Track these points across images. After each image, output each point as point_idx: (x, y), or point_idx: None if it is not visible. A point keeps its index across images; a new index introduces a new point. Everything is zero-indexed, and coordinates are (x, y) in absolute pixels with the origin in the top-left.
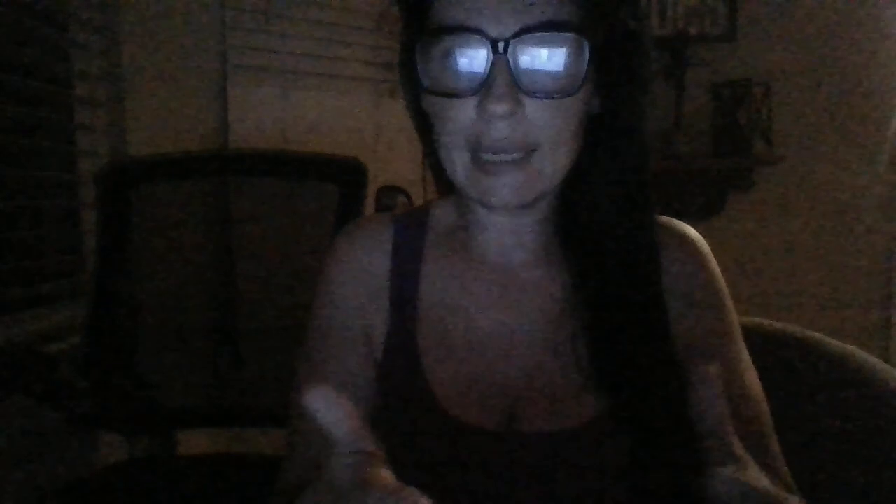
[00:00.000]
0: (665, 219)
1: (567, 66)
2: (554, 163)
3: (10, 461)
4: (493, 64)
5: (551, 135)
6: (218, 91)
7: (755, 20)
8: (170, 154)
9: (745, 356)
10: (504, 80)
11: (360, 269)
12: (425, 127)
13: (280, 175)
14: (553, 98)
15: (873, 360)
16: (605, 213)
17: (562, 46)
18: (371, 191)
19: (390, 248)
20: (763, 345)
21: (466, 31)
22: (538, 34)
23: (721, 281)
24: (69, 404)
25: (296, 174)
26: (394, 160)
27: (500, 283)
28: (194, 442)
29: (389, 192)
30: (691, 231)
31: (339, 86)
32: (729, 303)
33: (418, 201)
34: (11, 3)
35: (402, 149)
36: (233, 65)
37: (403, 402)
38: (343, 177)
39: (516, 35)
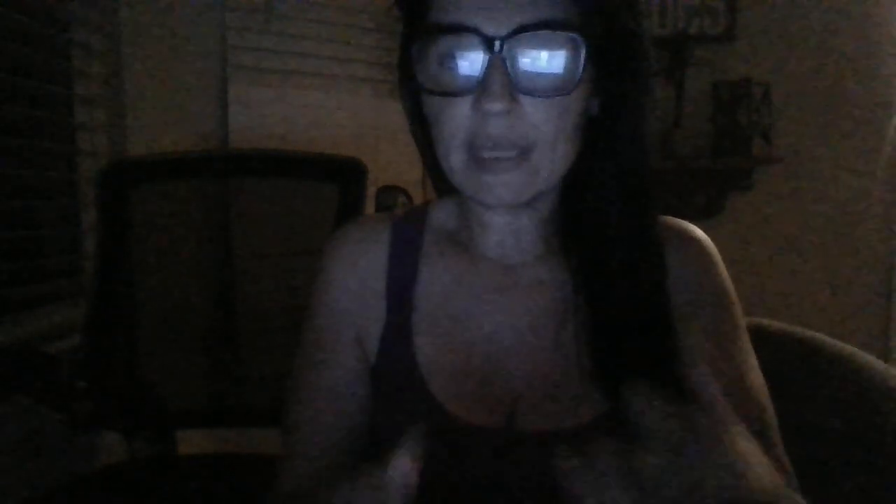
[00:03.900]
0: (671, 219)
1: (563, 64)
2: (551, 162)
3: (10, 461)
4: (488, 63)
5: (548, 134)
6: (218, 91)
7: (755, 20)
8: (170, 154)
9: (751, 357)
10: (500, 78)
11: (356, 268)
12: (422, 129)
13: (280, 175)
14: (549, 97)
15: (873, 360)
16: (606, 213)
17: (558, 45)
18: (371, 191)
19: (387, 247)
20: (763, 345)
21: (462, 30)
22: (534, 33)
23: (727, 281)
24: (69, 404)
25: (296, 174)
26: (394, 160)
27: (499, 281)
28: (194, 442)
29: (389, 192)
30: (697, 231)
31: (339, 86)
32: (735, 303)
33: (418, 201)
34: (11, 3)
35: (402, 149)
36: (233, 65)
37: (400, 399)
38: (343, 177)
39: (512, 34)
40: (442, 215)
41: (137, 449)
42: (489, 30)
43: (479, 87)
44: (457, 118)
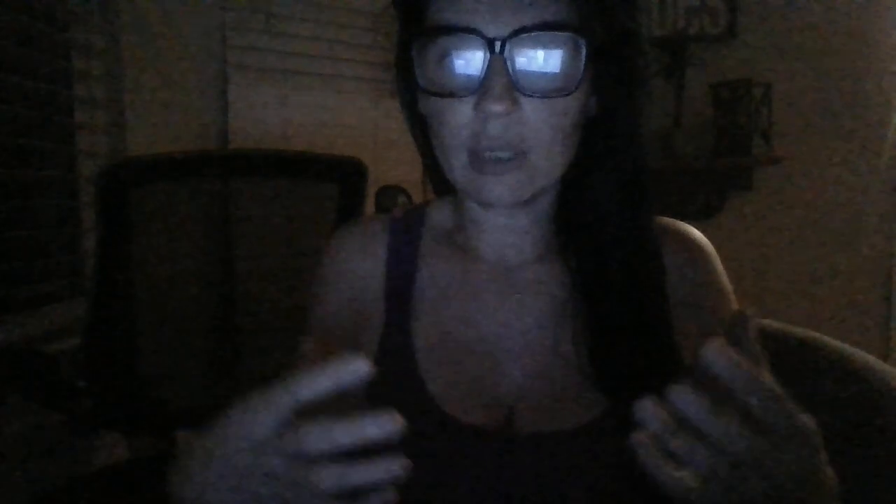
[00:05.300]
0: (669, 220)
1: (564, 65)
2: (550, 162)
3: (10, 461)
4: (489, 64)
5: (548, 134)
6: (218, 91)
7: (755, 20)
8: (170, 154)
9: None
10: (501, 79)
11: (355, 270)
12: (421, 129)
13: (280, 175)
14: (550, 97)
15: (873, 360)
16: (604, 213)
17: (559, 46)
18: (371, 191)
19: (386, 248)
20: (763, 345)
21: (463, 31)
22: (535, 34)
23: (726, 283)
24: (69, 404)
25: (296, 174)
26: (394, 160)
27: (498, 282)
28: None
29: (389, 192)
30: (695, 233)
31: (339, 86)
32: (734, 304)
33: (418, 201)
34: (11, 3)
35: (402, 149)
36: (233, 65)
37: (399, 402)
38: (343, 177)
39: (513, 35)
40: (440, 216)
41: (137, 449)
42: (490, 31)
43: (481, 89)
44: (457, 119)
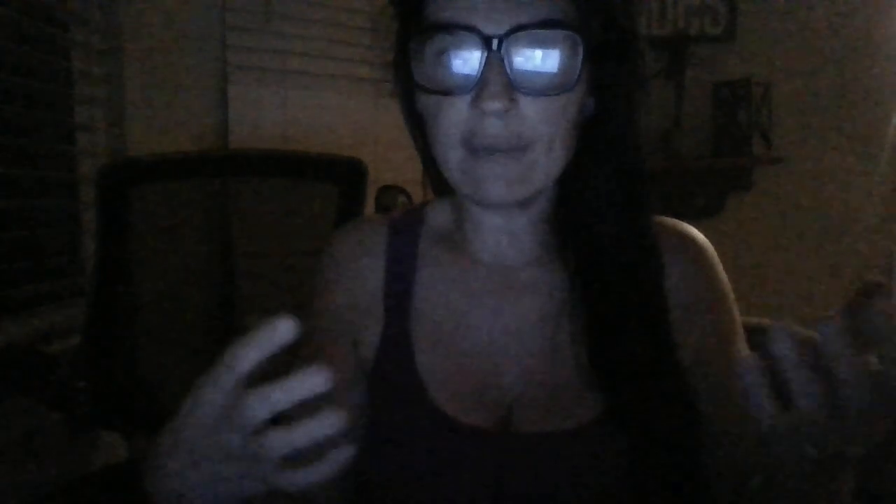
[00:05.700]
0: (668, 220)
1: (561, 63)
2: (548, 160)
3: (10, 461)
4: (486, 62)
5: (545, 133)
6: (218, 91)
7: (755, 20)
8: (170, 154)
9: None
10: (498, 77)
11: (354, 270)
12: (419, 127)
13: (280, 175)
14: (547, 95)
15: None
16: (602, 213)
17: (556, 44)
18: (371, 191)
19: (385, 249)
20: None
21: (460, 28)
22: (532, 32)
23: (725, 283)
24: (69, 404)
25: (296, 174)
26: (394, 160)
27: (496, 283)
28: None
29: (389, 192)
30: (695, 233)
31: (339, 86)
32: (733, 305)
33: (418, 201)
34: (11, 3)
35: (402, 149)
36: (233, 65)
37: (398, 402)
38: (343, 177)
39: (510, 32)
40: (439, 216)
41: (137, 449)
42: (487, 28)
43: (477, 86)
44: (454, 116)
